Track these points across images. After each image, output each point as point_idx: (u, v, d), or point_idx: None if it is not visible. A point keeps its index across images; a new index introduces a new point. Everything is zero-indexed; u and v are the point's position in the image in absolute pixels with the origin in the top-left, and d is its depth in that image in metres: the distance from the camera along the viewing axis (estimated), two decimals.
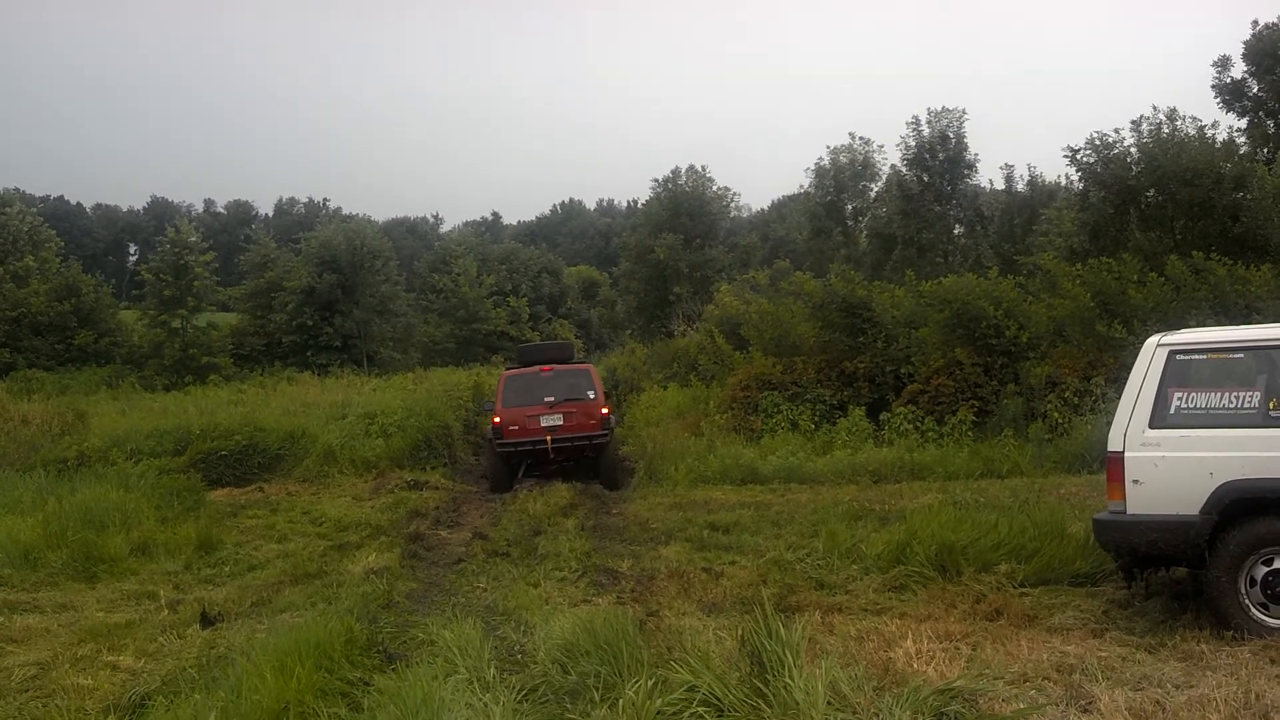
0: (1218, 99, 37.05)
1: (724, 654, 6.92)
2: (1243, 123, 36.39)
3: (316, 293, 50.00)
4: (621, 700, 6.20)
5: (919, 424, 19.97)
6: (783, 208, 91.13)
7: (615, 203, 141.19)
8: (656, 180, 55.31)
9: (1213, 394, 8.30)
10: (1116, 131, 27.12)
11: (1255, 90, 36.44)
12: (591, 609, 9.03)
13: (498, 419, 19.84)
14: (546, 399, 19.90)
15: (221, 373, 43.48)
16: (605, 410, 20.27)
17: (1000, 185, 44.34)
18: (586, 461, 20.47)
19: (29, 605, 10.83)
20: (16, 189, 73.89)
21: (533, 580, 11.12)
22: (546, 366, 20.74)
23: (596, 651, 6.87)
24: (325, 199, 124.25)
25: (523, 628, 8.57)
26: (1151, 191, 26.30)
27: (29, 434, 22.66)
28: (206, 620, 9.77)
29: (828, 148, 50.32)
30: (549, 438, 19.59)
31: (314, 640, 7.55)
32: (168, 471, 19.01)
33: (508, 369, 21.87)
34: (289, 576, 12.05)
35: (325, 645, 7.55)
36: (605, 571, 11.51)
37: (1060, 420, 18.92)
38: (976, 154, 43.49)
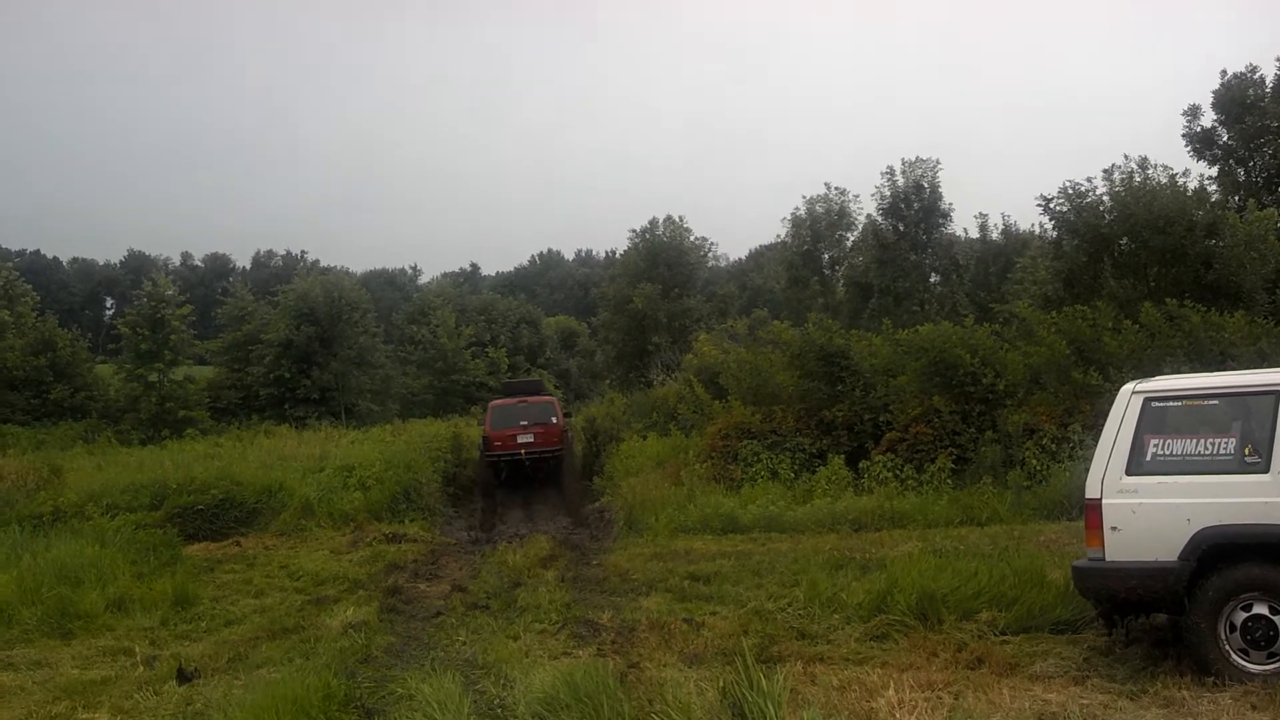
0: (1188, 147, 37.75)
1: (705, 706, 6.89)
2: (1213, 170, 37.03)
3: (294, 345, 49.69)
4: None
5: (898, 472, 19.98)
6: (760, 257, 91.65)
7: (594, 253, 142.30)
8: (634, 231, 55.79)
9: (1189, 440, 8.35)
10: (1089, 180, 27.45)
11: (1225, 139, 37.09)
12: (572, 661, 8.98)
13: (487, 435, 26.87)
14: (522, 422, 26.85)
15: (198, 426, 43.09)
16: (563, 430, 27.50)
17: (975, 234, 44.94)
18: (551, 469, 27.19)
19: (3, 663, 10.72)
20: None
21: (512, 633, 11.06)
22: (523, 399, 28.05)
23: (577, 705, 6.83)
24: (303, 251, 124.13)
25: (502, 681, 8.52)
26: (1124, 239, 26.55)
27: (3, 489, 22.38)
28: (183, 676, 9.68)
29: (804, 198, 50.63)
30: (523, 450, 26.58)
31: (291, 696, 7.49)
32: (144, 526, 18.86)
33: (495, 400, 29.05)
34: (266, 631, 11.96)
35: (303, 701, 7.48)
36: (585, 623, 11.44)
37: (1038, 467, 18.96)
38: (951, 203, 44.06)
